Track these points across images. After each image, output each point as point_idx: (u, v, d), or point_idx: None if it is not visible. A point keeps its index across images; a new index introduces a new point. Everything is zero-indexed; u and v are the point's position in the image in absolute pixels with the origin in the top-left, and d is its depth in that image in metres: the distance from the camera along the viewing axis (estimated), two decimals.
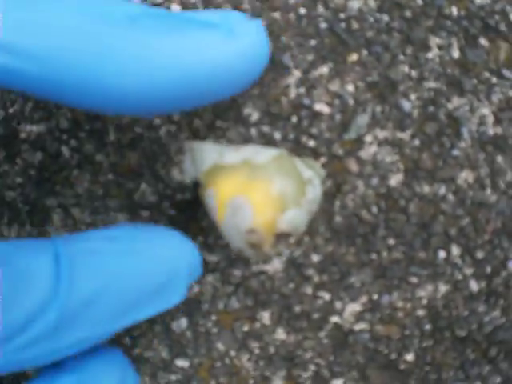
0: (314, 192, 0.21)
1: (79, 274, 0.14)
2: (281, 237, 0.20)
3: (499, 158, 0.24)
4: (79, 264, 0.14)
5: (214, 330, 0.24)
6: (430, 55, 0.25)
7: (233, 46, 0.16)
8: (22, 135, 0.26)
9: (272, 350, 0.24)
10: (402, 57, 0.25)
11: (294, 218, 0.20)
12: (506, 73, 0.25)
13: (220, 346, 0.24)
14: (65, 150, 0.26)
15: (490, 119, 0.24)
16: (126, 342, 0.24)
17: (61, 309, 0.14)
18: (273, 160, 0.20)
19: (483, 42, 0.25)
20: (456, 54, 0.25)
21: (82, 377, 0.16)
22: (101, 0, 0.15)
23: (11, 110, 0.27)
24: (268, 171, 0.20)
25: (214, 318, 0.24)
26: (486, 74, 0.25)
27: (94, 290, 0.14)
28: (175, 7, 0.24)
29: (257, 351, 0.24)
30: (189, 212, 0.24)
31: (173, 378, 0.24)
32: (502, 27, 0.25)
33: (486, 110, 0.24)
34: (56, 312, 0.14)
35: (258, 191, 0.19)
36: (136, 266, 0.15)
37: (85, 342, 0.15)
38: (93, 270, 0.14)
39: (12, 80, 0.15)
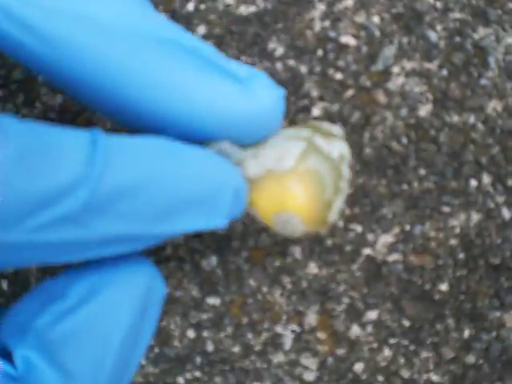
0: (347, 165, 0.20)
1: (116, 161, 0.13)
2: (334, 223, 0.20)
3: None
4: (117, 153, 0.13)
5: (245, 267, 0.24)
6: None
7: (248, 105, 0.16)
8: (41, 78, 0.26)
9: (304, 284, 0.23)
10: None
11: (340, 204, 0.19)
12: None
13: (251, 282, 0.24)
14: None
15: None
16: None
17: (91, 191, 0.13)
18: (298, 162, 0.18)
19: None
20: None
21: (103, 278, 0.15)
22: (140, 11, 0.15)
23: None
24: (299, 174, 0.18)
25: (244, 254, 0.24)
26: (510, 5, 0.25)
27: (130, 182, 0.13)
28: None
29: (289, 286, 0.24)
30: None
31: (204, 316, 0.24)
32: None
33: (511, 40, 0.24)
34: (86, 192, 0.13)
35: (300, 200, 0.18)
36: (178, 171, 0.15)
37: (115, 243, 0.14)
38: (131, 162, 0.14)
39: (23, 56, 0.15)
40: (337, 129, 0.20)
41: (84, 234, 0.13)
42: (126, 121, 0.16)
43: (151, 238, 0.15)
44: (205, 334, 0.24)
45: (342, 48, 0.24)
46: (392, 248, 0.23)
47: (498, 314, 0.23)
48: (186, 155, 0.15)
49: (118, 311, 0.15)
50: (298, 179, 0.18)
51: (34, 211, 0.12)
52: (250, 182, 0.18)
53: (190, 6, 0.25)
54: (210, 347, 0.24)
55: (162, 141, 0.15)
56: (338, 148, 0.19)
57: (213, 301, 0.24)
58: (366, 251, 0.23)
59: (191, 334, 0.24)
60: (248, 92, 0.16)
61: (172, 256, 0.24)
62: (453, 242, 0.23)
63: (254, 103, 0.16)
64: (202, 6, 0.25)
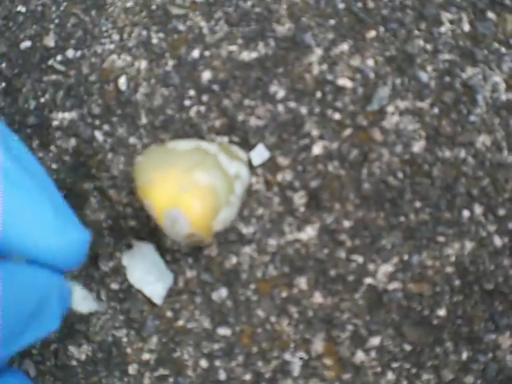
0: (242, 183, 0.23)
1: None
2: (218, 232, 0.22)
3: None
4: None
5: (254, 298, 0.25)
6: (442, 29, 0.26)
7: (60, 240, 0.17)
8: (55, 123, 0.27)
9: (310, 313, 0.25)
10: (416, 32, 0.26)
11: (227, 216, 0.22)
12: None
13: (260, 312, 0.25)
14: (98, 135, 0.27)
15: (502, 86, 0.26)
16: (169, 315, 0.25)
17: None
18: (197, 161, 0.21)
19: (491, 15, 0.26)
20: (466, 27, 0.26)
21: None
22: None
23: (42, 100, 0.28)
24: (198, 180, 0.21)
25: (252, 286, 0.25)
26: (496, 45, 0.26)
27: None
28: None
29: (296, 315, 0.25)
30: None
31: (216, 346, 0.25)
32: (507, 1, 0.27)
33: (497, 78, 0.26)
34: None
35: (191, 202, 0.21)
36: (10, 294, 0.16)
37: None
38: None
39: None
40: (242, 153, 0.24)
41: None
42: None
43: (5, 358, 0.17)
44: (217, 363, 0.25)
45: (339, 90, 0.26)
46: (392, 277, 0.25)
47: (493, 336, 0.25)
48: (11, 278, 0.16)
49: None
50: (196, 184, 0.21)
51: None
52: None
53: (196, 53, 0.27)
54: (222, 376, 0.25)
55: None
56: (236, 167, 0.22)
57: (224, 331, 0.25)
58: (368, 280, 0.25)
59: (204, 363, 0.25)
60: (62, 230, 0.17)
61: (184, 289, 0.25)
62: (449, 269, 0.25)
63: (64, 240, 0.17)
64: (207, 53, 0.26)
